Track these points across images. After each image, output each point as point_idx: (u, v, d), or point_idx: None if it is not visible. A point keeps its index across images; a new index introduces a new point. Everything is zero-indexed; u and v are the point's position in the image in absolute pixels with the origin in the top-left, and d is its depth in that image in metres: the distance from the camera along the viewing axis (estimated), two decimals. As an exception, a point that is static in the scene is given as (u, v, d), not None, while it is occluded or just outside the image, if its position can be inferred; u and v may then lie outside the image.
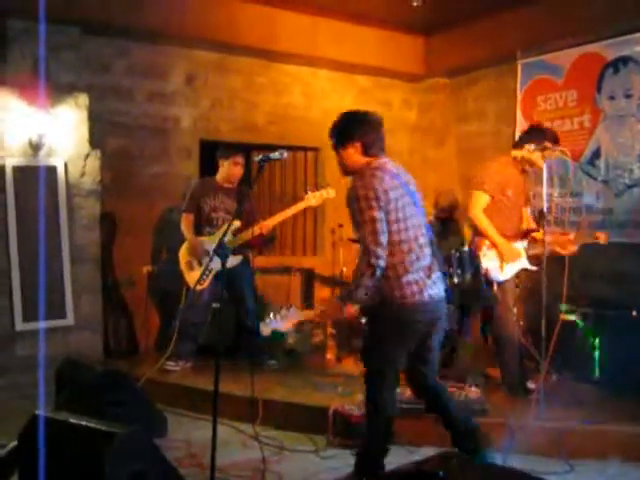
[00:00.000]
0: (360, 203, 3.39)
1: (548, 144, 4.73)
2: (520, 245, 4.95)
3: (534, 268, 4.96)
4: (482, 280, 4.88)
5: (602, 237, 4.95)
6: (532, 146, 4.86)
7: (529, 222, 5.20)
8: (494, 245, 4.89)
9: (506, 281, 4.93)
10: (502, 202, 4.92)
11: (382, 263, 3.37)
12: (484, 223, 4.90)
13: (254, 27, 6.54)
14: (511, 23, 6.51)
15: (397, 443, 4.37)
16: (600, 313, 5.37)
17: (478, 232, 4.97)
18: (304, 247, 7.62)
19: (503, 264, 4.89)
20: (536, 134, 4.93)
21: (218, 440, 3.33)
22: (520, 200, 5.02)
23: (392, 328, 3.54)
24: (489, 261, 4.89)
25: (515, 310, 4.98)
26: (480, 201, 4.93)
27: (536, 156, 4.83)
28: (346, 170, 3.66)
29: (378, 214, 3.37)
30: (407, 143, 8.02)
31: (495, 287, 4.92)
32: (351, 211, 3.46)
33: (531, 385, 4.97)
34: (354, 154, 3.58)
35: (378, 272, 3.37)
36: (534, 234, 5.04)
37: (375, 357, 3.64)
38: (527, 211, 5.19)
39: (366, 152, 3.58)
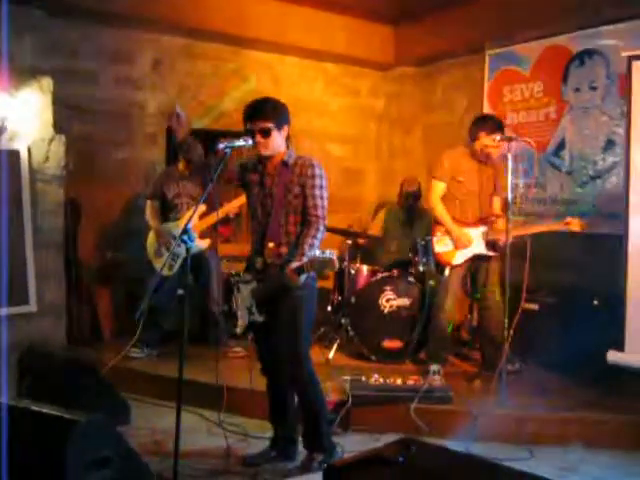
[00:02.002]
0: (322, 182, 3.79)
1: (514, 135, 4.82)
2: (476, 231, 5.08)
3: (491, 254, 5.14)
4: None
5: (574, 223, 4.99)
6: (498, 137, 4.93)
7: (497, 210, 5.28)
8: (448, 231, 5.13)
9: (457, 266, 5.16)
10: (455, 188, 5.18)
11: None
12: (438, 210, 5.19)
13: (222, 13, 6.49)
14: (480, 14, 6.54)
15: (362, 430, 4.44)
16: (562, 302, 5.47)
17: (436, 219, 5.23)
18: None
19: (456, 250, 5.13)
20: (482, 122, 5.14)
21: (182, 427, 3.33)
22: (483, 188, 5.18)
23: (315, 300, 3.89)
24: (443, 246, 5.16)
25: (456, 296, 5.28)
26: (436, 189, 5.22)
27: (492, 149, 5.04)
28: (268, 151, 3.80)
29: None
30: (374, 131, 8.05)
31: (447, 271, 5.17)
32: (310, 184, 3.75)
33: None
34: (282, 137, 3.82)
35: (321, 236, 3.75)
36: (495, 221, 5.18)
37: (308, 330, 3.86)
38: (498, 200, 5.28)
39: (287, 138, 3.87)
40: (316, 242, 3.68)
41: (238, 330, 3.87)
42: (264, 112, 3.75)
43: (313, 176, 3.76)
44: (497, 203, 5.30)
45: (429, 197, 5.28)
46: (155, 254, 5.68)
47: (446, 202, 5.19)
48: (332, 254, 3.48)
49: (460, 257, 5.14)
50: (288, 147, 3.86)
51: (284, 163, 3.82)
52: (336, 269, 3.80)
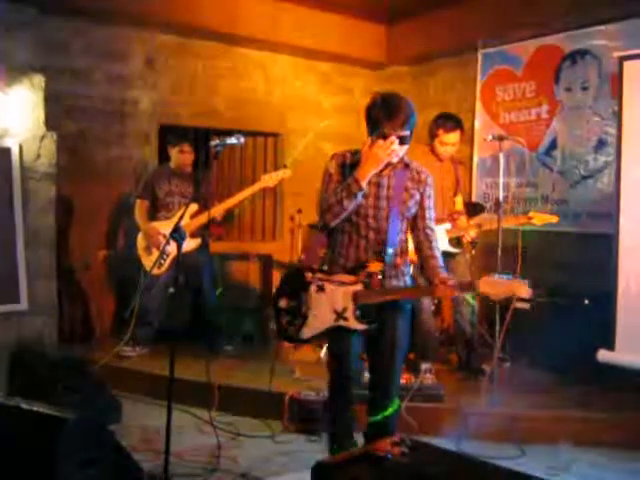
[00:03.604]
0: (432, 191, 3.54)
1: (504, 134, 4.84)
2: (441, 228, 5.11)
3: (455, 250, 5.16)
4: None
5: (537, 217, 5.02)
6: (490, 136, 4.94)
7: (460, 207, 5.35)
8: None
9: None
10: None
11: None
12: None
13: (215, 10, 6.47)
14: (473, 13, 6.55)
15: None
16: (553, 301, 5.48)
17: None
18: (263, 233, 7.60)
19: None
20: (440, 120, 5.20)
21: (173, 426, 3.33)
22: (444, 185, 5.20)
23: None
24: None
25: None
26: None
27: (449, 147, 5.13)
28: (397, 159, 3.41)
29: None
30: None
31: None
32: (428, 193, 3.50)
33: (486, 367, 5.09)
34: None
35: None
36: (457, 218, 5.22)
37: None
38: (458, 198, 5.34)
39: None
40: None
41: (305, 334, 3.47)
42: (410, 120, 3.30)
43: (430, 185, 3.50)
44: (459, 200, 5.34)
45: None
46: (144, 251, 5.67)
47: None
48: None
49: None
50: None
51: (405, 165, 3.46)
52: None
